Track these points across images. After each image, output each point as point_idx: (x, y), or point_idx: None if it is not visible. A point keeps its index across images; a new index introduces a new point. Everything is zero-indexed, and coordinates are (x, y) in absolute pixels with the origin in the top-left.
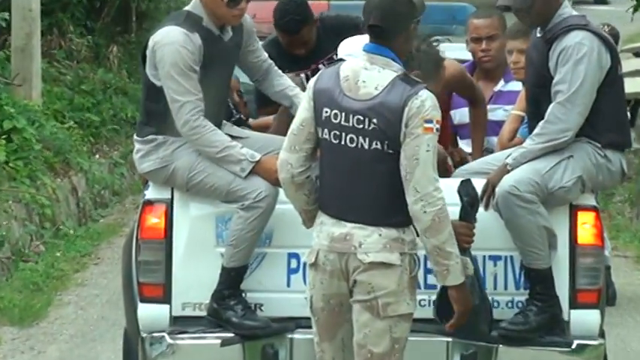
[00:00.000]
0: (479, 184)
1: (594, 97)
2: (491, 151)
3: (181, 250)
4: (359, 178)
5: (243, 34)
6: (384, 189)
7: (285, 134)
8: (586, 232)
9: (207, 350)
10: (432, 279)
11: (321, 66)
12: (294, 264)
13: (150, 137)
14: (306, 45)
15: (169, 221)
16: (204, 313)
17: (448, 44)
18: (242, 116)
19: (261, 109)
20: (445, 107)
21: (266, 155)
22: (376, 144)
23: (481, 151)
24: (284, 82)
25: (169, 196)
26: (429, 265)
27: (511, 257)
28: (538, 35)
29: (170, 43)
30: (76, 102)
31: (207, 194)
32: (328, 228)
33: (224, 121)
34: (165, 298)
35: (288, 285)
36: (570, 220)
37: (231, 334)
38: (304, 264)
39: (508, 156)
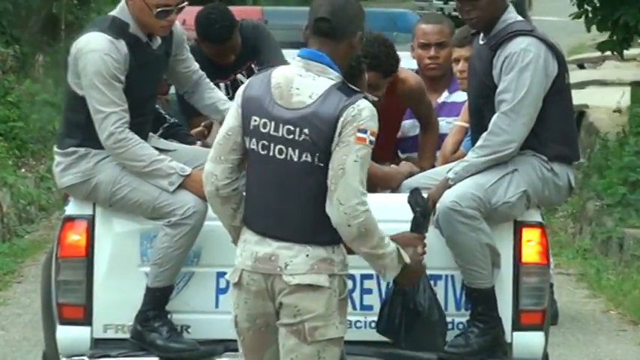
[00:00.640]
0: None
1: (540, 106)
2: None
3: (103, 269)
4: (286, 193)
5: (172, 42)
6: (312, 205)
7: None
8: (531, 250)
9: None
10: (367, 300)
11: (239, 76)
12: (223, 284)
13: (71, 149)
14: (234, 52)
15: (91, 238)
16: (127, 336)
17: None
18: (176, 120)
19: (193, 119)
20: (399, 119)
21: (197, 169)
22: (306, 156)
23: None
24: (215, 95)
25: (91, 212)
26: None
27: (452, 276)
28: (481, 42)
29: (93, 50)
30: (1, 114)
31: (131, 210)
32: (252, 247)
33: (151, 134)
34: (86, 320)
35: (217, 306)
36: (514, 238)
37: (156, 358)
38: None
39: (450, 170)
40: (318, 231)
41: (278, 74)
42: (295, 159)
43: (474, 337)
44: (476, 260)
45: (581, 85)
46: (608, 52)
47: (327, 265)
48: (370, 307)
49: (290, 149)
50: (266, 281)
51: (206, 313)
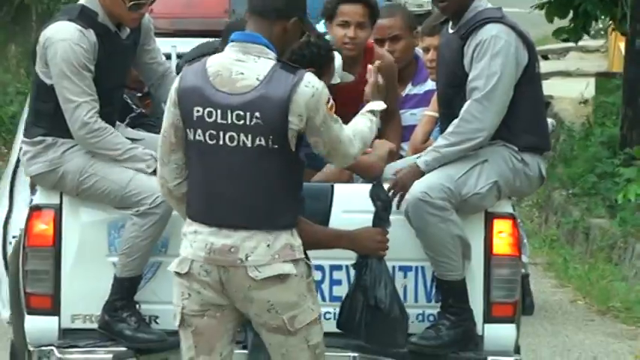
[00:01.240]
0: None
1: (511, 95)
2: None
3: (71, 259)
4: (241, 180)
5: (140, 32)
6: (270, 189)
7: None
8: (502, 242)
9: None
10: (337, 291)
11: None
12: None
13: (38, 138)
14: None
15: (58, 228)
16: (95, 326)
17: None
18: (143, 110)
19: None
20: None
21: None
22: (260, 140)
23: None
24: None
25: (58, 202)
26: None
27: (422, 268)
28: (450, 31)
29: (63, 39)
30: None
31: (99, 199)
32: (205, 237)
33: (118, 123)
34: (54, 310)
35: None
36: (485, 229)
37: (124, 348)
38: None
39: (420, 156)
40: (278, 215)
41: (214, 62)
42: (249, 144)
43: (445, 330)
44: (446, 252)
45: (545, 76)
46: (572, 44)
47: (289, 251)
48: (339, 299)
49: (242, 135)
50: (220, 273)
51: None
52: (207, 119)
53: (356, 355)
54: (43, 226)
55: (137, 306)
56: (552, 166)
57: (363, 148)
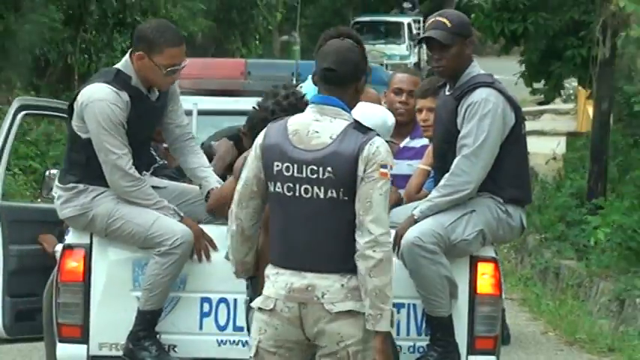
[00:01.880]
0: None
1: (497, 152)
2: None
3: (99, 293)
4: (316, 228)
5: (168, 94)
6: (342, 236)
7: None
8: (485, 282)
9: None
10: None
11: None
12: (206, 308)
13: (71, 185)
14: None
15: (88, 265)
16: (120, 353)
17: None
18: (165, 162)
19: None
20: None
21: (183, 204)
22: (331, 192)
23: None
24: (198, 160)
25: (88, 241)
26: None
27: (414, 305)
28: (447, 93)
29: (100, 99)
30: (21, 151)
31: (125, 240)
32: (286, 278)
33: (144, 172)
34: (83, 338)
35: (201, 328)
36: (470, 271)
37: None
38: (216, 308)
39: (415, 207)
40: (349, 259)
41: (294, 122)
42: (322, 196)
43: None
44: (435, 291)
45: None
46: (546, 107)
47: (360, 293)
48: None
49: (315, 187)
50: (299, 309)
51: (191, 334)
52: (285, 173)
53: None
54: (75, 263)
55: (158, 336)
56: (527, 214)
57: (387, 257)
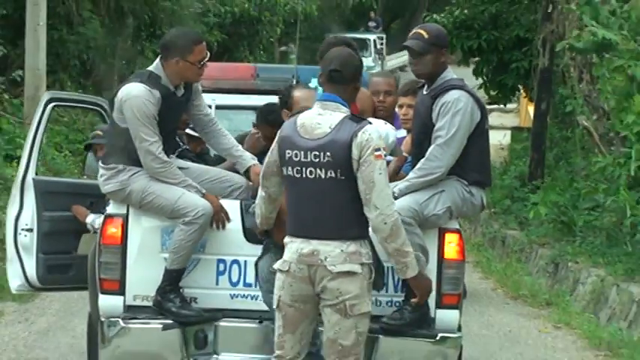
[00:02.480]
0: None
1: (465, 143)
2: None
3: (134, 254)
4: (320, 203)
5: (192, 90)
6: (340, 209)
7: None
8: (451, 250)
9: (152, 333)
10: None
11: None
12: (221, 267)
13: (112, 166)
14: None
15: (125, 231)
16: (150, 304)
17: None
18: (188, 147)
19: None
20: None
21: (202, 182)
22: (331, 173)
23: None
24: (229, 141)
25: (125, 212)
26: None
27: (392, 267)
28: (424, 93)
29: (137, 96)
30: (71, 137)
31: (155, 211)
32: (297, 245)
33: (171, 155)
34: (120, 291)
35: (217, 283)
36: (439, 240)
37: (171, 321)
38: (229, 268)
39: (395, 186)
40: (347, 229)
41: (302, 117)
42: (323, 176)
43: (408, 313)
44: None
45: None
46: (495, 106)
47: (357, 256)
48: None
49: (318, 169)
50: (309, 270)
51: (208, 288)
52: (294, 159)
53: None
54: (114, 229)
55: (181, 290)
56: None
57: (396, 224)
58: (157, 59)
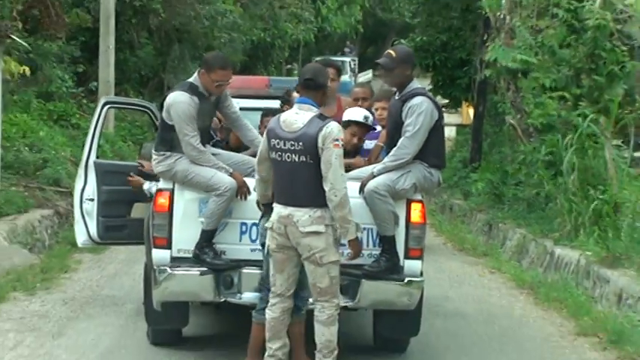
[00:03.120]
0: (357, 185)
1: (426, 136)
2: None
3: (178, 218)
4: (294, 180)
5: (222, 97)
6: (309, 184)
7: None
8: (416, 215)
9: (192, 277)
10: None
11: None
12: (244, 228)
13: (162, 152)
14: None
15: (171, 201)
16: (190, 256)
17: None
18: (219, 139)
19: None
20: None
21: (232, 164)
22: (303, 158)
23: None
24: (252, 134)
25: (172, 187)
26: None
27: (372, 229)
28: (396, 98)
29: (181, 102)
30: (133, 131)
31: (194, 187)
32: (278, 209)
33: (206, 145)
34: (168, 246)
35: (240, 240)
36: (407, 208)
37: (206, 269)
38: (250, 228)
39: (374, 168)
40: (315, 198)
41: (285, 115)
42: (297, 160)
43: (383, 263)
44: (385, 219)
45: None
46: (443, 108)
47: (322, 219)
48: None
49: (293, 155)
50: (286, 229)
51: (234, 244)
52: (277, 146)
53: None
54: (163, 200)
55: (214, 245)
56: None
57: (343, 197)
58: (196, 73)
